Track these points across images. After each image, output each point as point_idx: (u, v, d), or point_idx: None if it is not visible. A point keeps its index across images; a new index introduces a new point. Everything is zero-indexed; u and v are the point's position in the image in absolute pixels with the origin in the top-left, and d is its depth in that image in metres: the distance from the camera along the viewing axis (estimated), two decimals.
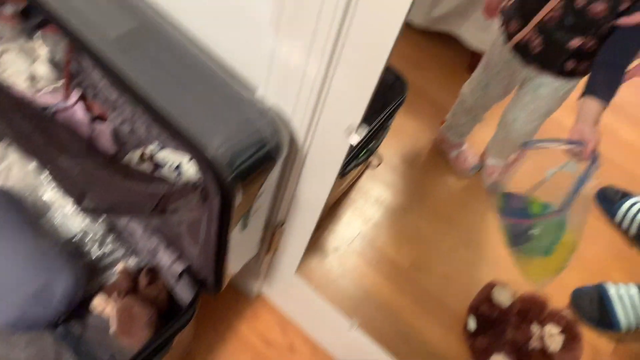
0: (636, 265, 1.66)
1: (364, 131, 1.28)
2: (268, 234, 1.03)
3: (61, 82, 1.14)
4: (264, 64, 0.72)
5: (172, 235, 1.01)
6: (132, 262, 1.13)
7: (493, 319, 1.41)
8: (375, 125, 1.30)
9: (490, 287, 1.46)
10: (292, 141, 0.80)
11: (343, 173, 1.29)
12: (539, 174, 1.10)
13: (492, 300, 1.43)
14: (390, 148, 1.75)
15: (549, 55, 1.14)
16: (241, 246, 0.97)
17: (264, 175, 0.75)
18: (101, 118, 1.19)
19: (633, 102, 2.04)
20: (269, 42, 0.68)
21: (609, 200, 1.75)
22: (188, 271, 0.98)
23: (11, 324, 0.98)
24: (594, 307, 1.50)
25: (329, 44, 0.62)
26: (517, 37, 1.20)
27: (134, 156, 1.14)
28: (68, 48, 1.08)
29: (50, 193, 1.18)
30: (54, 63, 1.14)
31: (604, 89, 1.08)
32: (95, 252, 1.14)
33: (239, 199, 0.72)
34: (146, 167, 1.12)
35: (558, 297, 1.49)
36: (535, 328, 1.38)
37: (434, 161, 1.81)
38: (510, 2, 1.21)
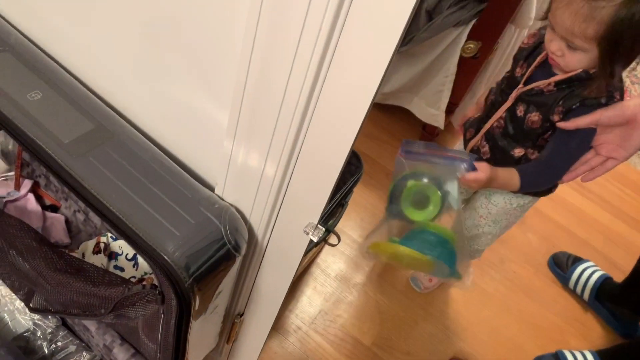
0: (592, 329, 1.70)
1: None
2: (227, 325, 1.00)
3: (12, 173, 1.12)
4: (223, 163, 0.72)
5: (127, 330, 0.97)
6: (85, 358, 1.08)
7: None
8: (333, 204, 1.31)
9: None
10: (252, 236, 0.80)
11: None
12: None
13: None
14: (350, 221, 1.77)
15: (497, 162, 1.14)
16: (201, 340, 0.94)
17: (223, 274, 0.75)
18: (54, 207, 1.16)
19: None
20: (227, 146, 0.69)
21: (561, 266, 1.80)
22: None
23: None
24: None
25: (286, 150, 0.63)
26: (471, 144, 1.24)
27: (88, 246, 1.11)
28: None
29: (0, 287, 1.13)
30: (5, 153, 1.12)
31: (529, 179, 1.12)
32: (46, 347, 1.08)
33: (197, 301, 0.70)
34: (101, 257, 1.09)
35: None
36: None
37: None
38: (477, 115, 1.25)
